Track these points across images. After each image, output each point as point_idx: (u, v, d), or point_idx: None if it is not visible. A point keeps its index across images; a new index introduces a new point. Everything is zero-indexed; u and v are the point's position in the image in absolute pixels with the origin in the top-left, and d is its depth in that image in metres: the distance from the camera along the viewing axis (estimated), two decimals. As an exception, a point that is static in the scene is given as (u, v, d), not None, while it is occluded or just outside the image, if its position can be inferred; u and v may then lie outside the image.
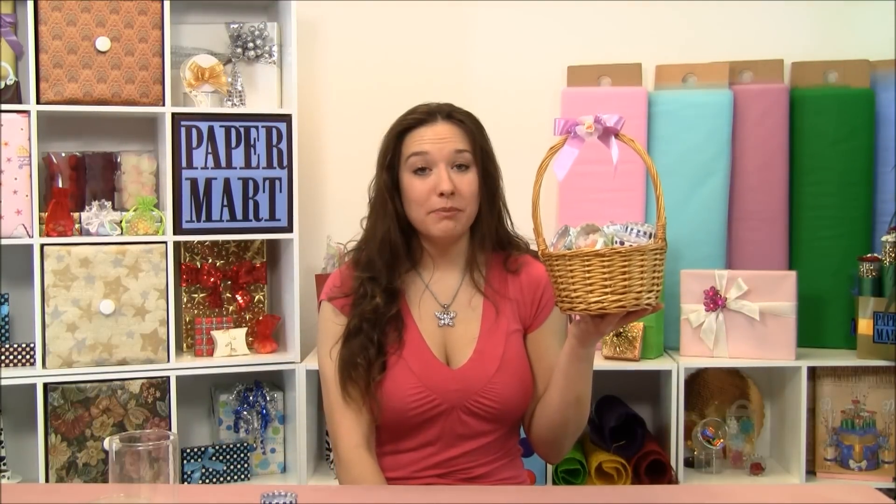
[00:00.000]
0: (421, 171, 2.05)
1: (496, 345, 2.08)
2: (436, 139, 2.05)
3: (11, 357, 3.04)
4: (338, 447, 2.05)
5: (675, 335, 3.29)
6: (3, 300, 3.14)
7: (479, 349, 2.08)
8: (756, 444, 3.39)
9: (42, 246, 2.99)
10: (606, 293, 1.70)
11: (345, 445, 2.04)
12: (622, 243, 1.72)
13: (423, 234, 2.10)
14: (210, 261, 3.38)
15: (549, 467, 3.16)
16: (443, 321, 2.11)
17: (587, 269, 1.71)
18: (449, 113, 2.09)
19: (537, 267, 2.16)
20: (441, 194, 2.02)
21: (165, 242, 3.12)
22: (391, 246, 2.08)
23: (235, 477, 3.27)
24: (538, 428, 2.11)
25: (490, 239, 2.12)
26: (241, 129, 3.19)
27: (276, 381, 3.45)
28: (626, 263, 1.70)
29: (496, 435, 2.09)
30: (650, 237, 1.75)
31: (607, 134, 1.80)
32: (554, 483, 3.15)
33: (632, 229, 1.76)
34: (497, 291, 2.13)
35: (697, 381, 3.40)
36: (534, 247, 1.96)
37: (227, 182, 3.18)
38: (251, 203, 3.21)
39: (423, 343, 2.08)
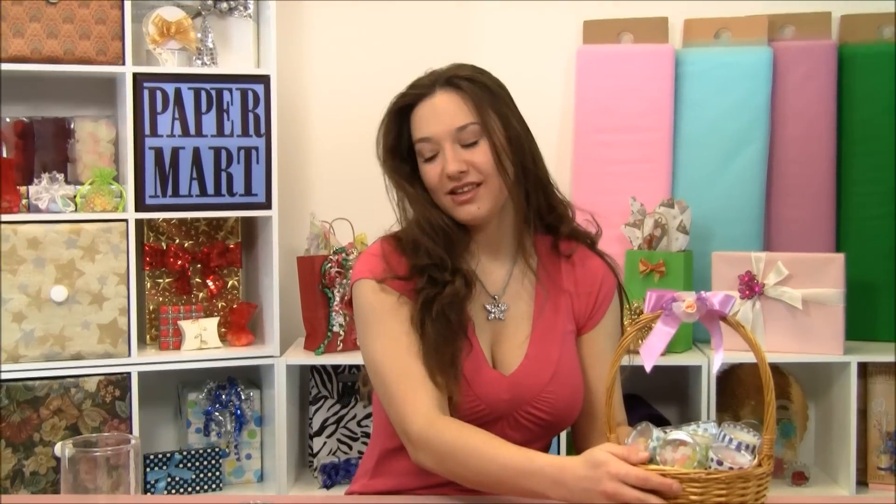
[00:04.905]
0: (432, 157, 2.03)
1: (551, 347, 2.05)
2: (435, 117, 2.01)
3: (-49, 351, 3.02)
4: (409, 434, 1.93)
5: (704, 326, 3.27)
6: (-60, 286, 3.13)
7: (531, 353, 2.04)
8: (798, 450, 3.39)
9: (-15, 224, 2.98)
10: None
11: (416, 426, 1.92)
12: (720, 463, 1.64)
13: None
14: (177, 241, 3.36)
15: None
16: (492, 314, 2.07)
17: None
18: (448, 78, 2.03)
19: (594, 259, 2.14)
20: (450, 177, 2.00)
21: (126, 220, 3.11)
22: (443, 230, 2.03)
23: (206, 486, 3.26)
24: None
25: (526, 214, 2.07)
26: (213, 92, 3.18)
27: (253, 377, 3.44)
28: (724, 492, 1.62)
29: (535, 447, 2.04)
30: (753, 451, 1.67)
31: (711, 316, 1.71)
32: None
33: (729, 439, 1.68)
34: (551, 278, 2.11)
35: (731, 377, 3.39)
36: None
37: (196, 152, 3.17)
38: (224, 176, 3.20)
39: (476, 342, 2.03)
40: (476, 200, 2.01)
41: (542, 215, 2.11)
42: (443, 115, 2.01)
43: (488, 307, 2.07)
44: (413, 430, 1.90)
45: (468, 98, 2.01)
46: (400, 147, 2.08)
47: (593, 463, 1.68)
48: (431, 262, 2.01)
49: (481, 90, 2.03)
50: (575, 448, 2.17)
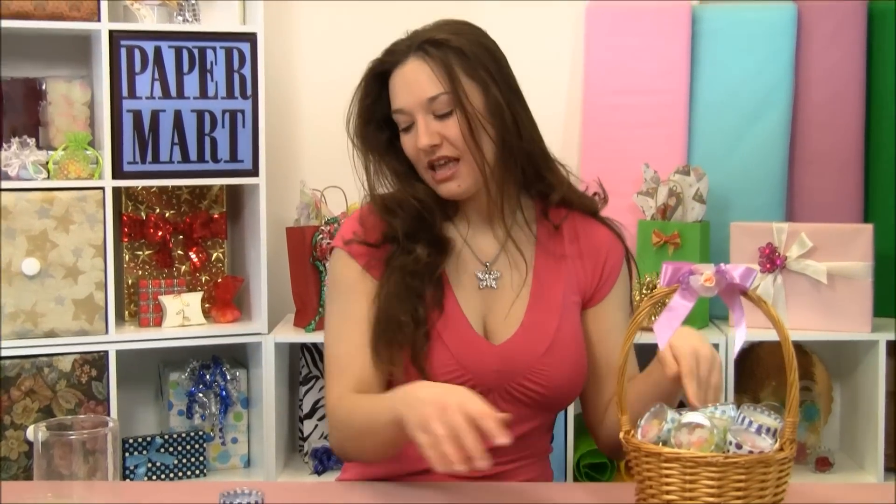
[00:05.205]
0: (408, 127, 2.05)
1: (548, 318, 2.06)
2: (406, 87, 2.03)
3: (-85, 327, 3.02)
4: (328, 423, 2.05)
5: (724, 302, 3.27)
6: None
7: (527, 323, 2.05)
8: (822, 434, 3.40)
9: (-49, 192, 2.97)
10: None
11: (328, 414, 2.03)
12: (739, 447, 1.63)
13: None
14: (158, 211, 3.36)
15: (570, 461, 3.15)
16: (484, 283, 2.09)
17: (690, 478, 1.61)
18: (421, 43, 2.04)
19: (598, 227, 2.15)
20: (424, 151, 2.02)
21: (103, 188, 3.10)
22: (412, 206, 2.06)
23: (189, 472, 3.26)
24: (614, 434, 2.06)
25: (509, 183, 2.08)
26: (195, 51, 3.17)
27: (239, 356, 3.44)
28: (743, 478, 1.61)
29: (533, 425, 2.07)
30: (774, 435, 1.65)
31: (731, 291, 1.70)
32: (575, 480, 3.15)
33: (749, 422, 1.66)
34: (552, 247, 2.12)
35: (750, 357, 3.39)
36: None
37: (177, 115, 3.16)
38: (208, 141, 3.19)
39: (458, 310, 2.05)
40: (456, 178, 2.02)
41: (532, 183, 2.11)
42: (413, 85, 2.02)
43: (479, 275, 2.09)
44: (328, 418, 2.02)
45: (439, 66, 2.01)
46: (377, 114, 2.09)
47: (456, 387, 1.77)
48: (405, 230, 2.05)
49: (455, 56, 2.02)
50: (588, 428, 2.19)
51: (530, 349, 2.04)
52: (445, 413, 1.67)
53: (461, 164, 2.01)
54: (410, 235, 2.05)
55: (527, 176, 2.09)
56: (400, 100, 2.03)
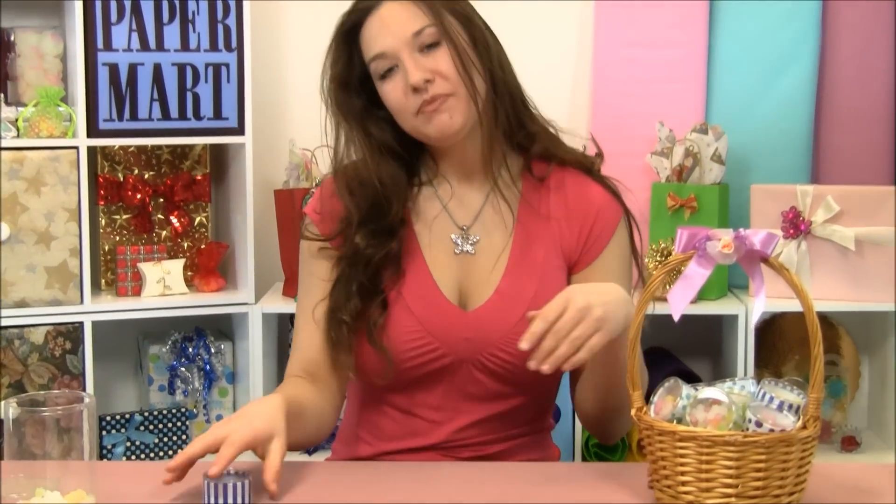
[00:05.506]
0: (388, 72, 2.03)
1: (526, 283, 2.05)
2: (385, 29, 2.02)
3: None
4: None
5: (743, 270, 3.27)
6: None
7: (502, 288, 2.05)
8: (849, 411, 3.40)
9: (-87, 151, 2.96)
10: (730, 497, 1.61)
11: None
12: (759, 424, 1.62)
13: (430, 145, 2.10)
14: (136, 172, 3.36)
15: (579, 440, 3.15)
16: (460, 248, 2.09)
17: (706, 457, 1.61)
18: None
19: (591, 185, 2.13)
20: (416, 90, 1.99)
21: (77, 148, 3.10)
22: (375, 192, 2.06)
23: (170, 451, 3.27)
24: (582, 403, 2.09)
25: (497, 130, 2.07)
26: (176, 0, 3.15)
27: (224, 328, 3.46)
28: (763, 458, 1.60)
29: (519, 402, 2.07)
30: (797, 412, 1.64)
31: (751, 258, 1.69)
32: (584, 460, 3.15)
33: (770, 398, 1.65)
34: (535, 206, 2.11)
35: (772, 329, 3.39)
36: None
37: (157, 69, 3.17)
38: (190, 97, 3.20)
39: (428, 276, 2.05)
40: (447, 110, 2.00)
41: (514, 133, 2.10)
42: (394, 24, 2.01)
43: (455, 239, 2.09)
44: None
45: (419, 1, 2.02)
46: (351, 77, 2.08)
47: (259, 413, 1.87)
48: (357, 216, 2.07)
49: None
50: (574, 405, 2.17)
51: (504, 317, 2.03)
52: (221, 427, 1.83)
53: (454, 99, 2.00)
54: (360, 223, 2.06)
55: (511, 124, 2.08)
56: (379, 43, 2.01)
